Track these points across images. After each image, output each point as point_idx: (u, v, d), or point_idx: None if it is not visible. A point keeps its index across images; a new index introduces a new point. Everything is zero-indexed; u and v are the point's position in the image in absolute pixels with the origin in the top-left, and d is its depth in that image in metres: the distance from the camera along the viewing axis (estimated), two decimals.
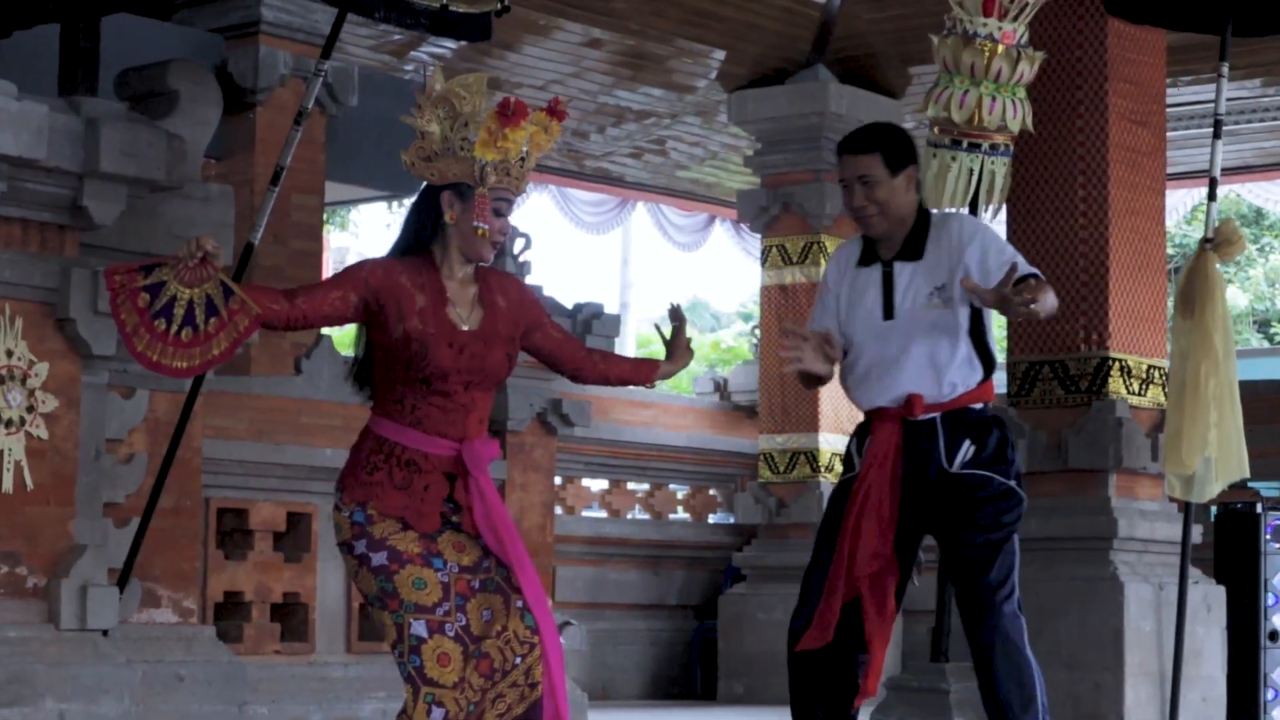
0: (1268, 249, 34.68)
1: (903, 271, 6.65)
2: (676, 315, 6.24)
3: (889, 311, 6.67)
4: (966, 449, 6.56)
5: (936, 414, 6.57)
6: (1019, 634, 6.64)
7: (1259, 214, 32.60)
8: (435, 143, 5.65)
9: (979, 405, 6.63)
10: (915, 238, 6.67)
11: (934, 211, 6.78)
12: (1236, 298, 34.19)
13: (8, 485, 9.60)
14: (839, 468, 16.64)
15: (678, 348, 6.19)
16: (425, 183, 5.75)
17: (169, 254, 5.89)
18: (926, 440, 6.57)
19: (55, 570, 9.76)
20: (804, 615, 6.76)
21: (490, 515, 5.67)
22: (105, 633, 9.91)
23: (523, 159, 5.69)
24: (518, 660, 5.55)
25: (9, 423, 9.63)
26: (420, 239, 5.74)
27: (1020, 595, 6.61)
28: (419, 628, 5.51)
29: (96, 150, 9.74)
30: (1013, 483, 6.60)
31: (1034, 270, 6.51)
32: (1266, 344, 33.55)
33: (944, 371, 6.60)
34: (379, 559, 5.56)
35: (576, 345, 6.09)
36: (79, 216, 9.87)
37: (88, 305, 9.81)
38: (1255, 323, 34.70)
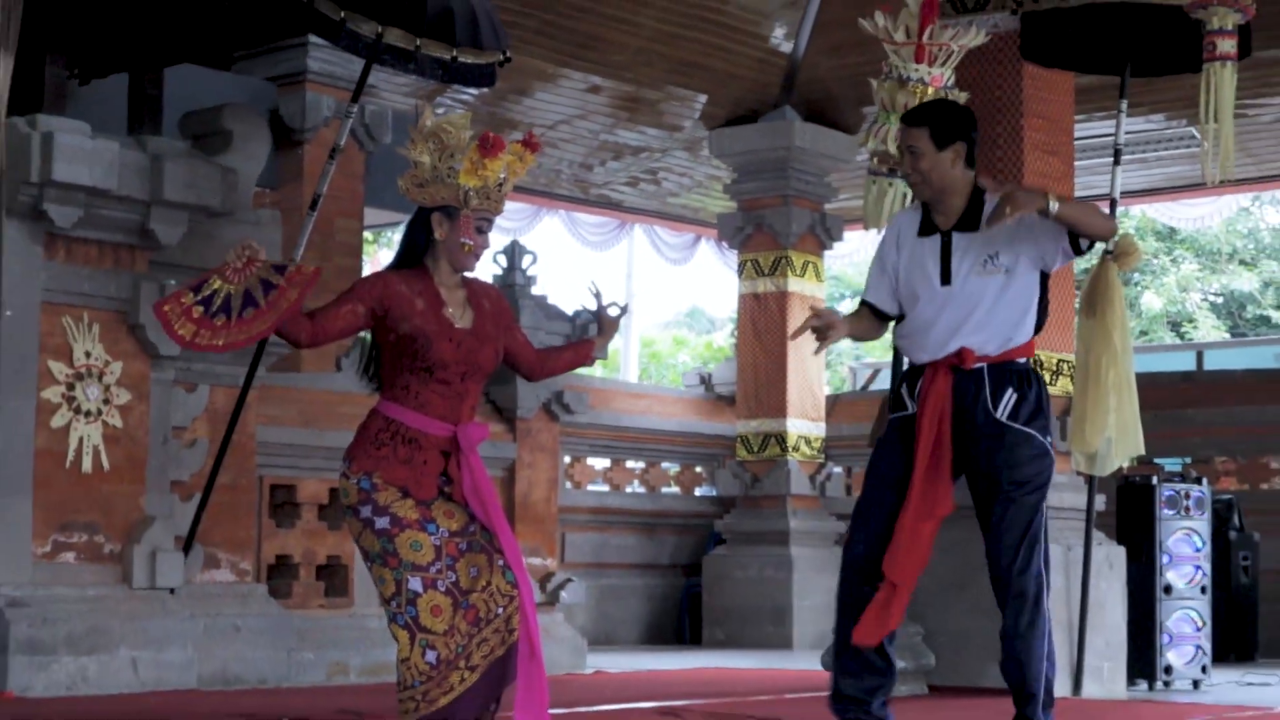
0: (1179, 259, 34.61)
1: (959, 242, 6.50)
2: (597, 297, 6.22)
3: (946, 278, 6.52)
4: (1010, 396, 6.39)
5: (984, 364, 6.41)
6: (1039, 591, 6.51)
7: (1172, 230, 32.55)
8: (426, 171, 5.70)
9: (1023, 360, 6.49)
10: (971, 211, 6.50)
11: (986, 190, 6.56)
12: (1152, 301, 34.15)
13: (87, 466, 9.64)
14: (805, 449, 16.90)
15: (603, 323, 6.17)
16: (419, 205, 5.78)
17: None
18: (974, 387, 6.41)
19: (129, 538, 9.79)
20: (860, 541, 6.56)
21: (477, 487, 5.68)
22: (172, 591, 9.94)
23: (500, 184, 5.73)
24: (499, 610, 5.57)
25: (88, 413, 9.66)
26: (414, 253, 5.77)
27: (1045, 546, 6.50)
28: (415, 584, 5.52)
29: (161, 182, 9.79)
30: (1047, 440, 6.43)
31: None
32: (1178, 340, 33.50)
33: (996, 330, 6.44)
34: (382, 523, 5.56)
35: (532, 350, 6.11)
36: (147, 238, 9.90)
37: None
38: (1169, 322, 34.63)
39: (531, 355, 6.07)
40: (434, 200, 5.70)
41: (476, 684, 5.56)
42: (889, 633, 6.50)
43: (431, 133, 5.69)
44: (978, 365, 6.40)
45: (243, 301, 5.58)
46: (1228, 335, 34.10)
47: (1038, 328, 6.57)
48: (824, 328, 6.47)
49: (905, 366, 6.93)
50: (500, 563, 5.60)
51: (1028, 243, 6.49)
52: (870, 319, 6.84)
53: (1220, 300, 34.80)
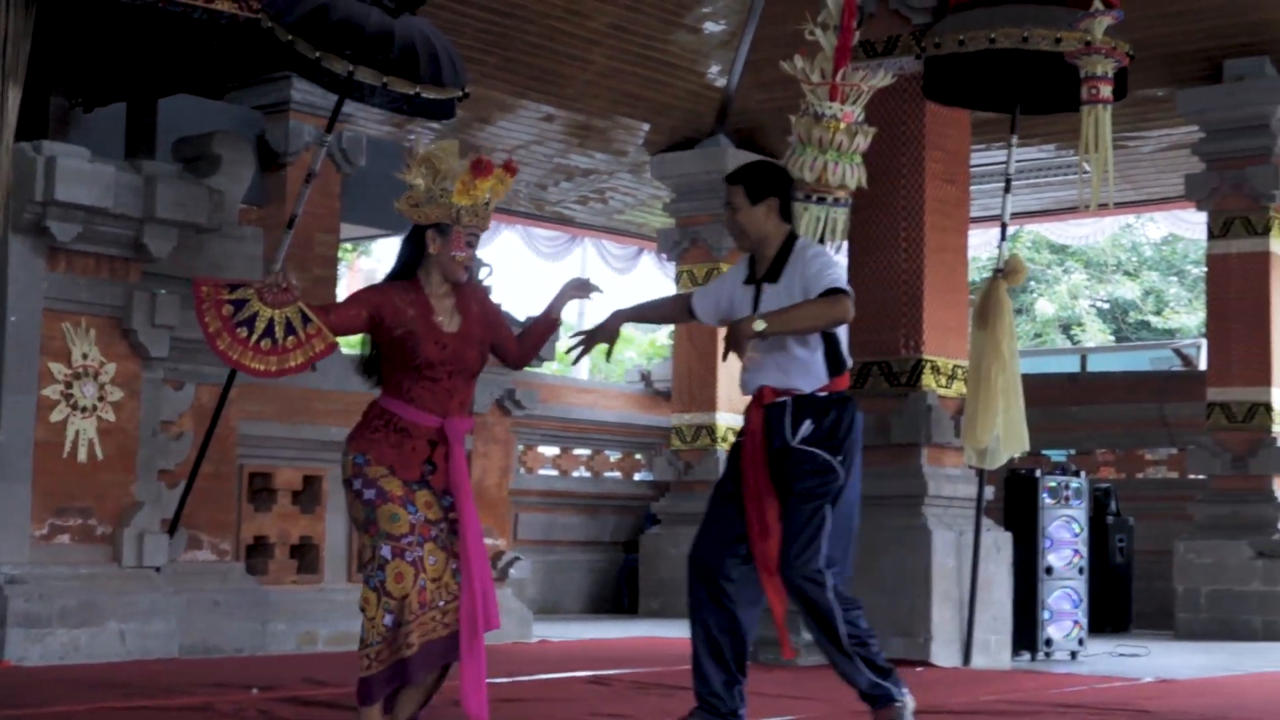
0: (1070, 270, 34.66)
1: (767, 290, 6.34)
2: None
3: None
4: (807, 426, 6.21)
5: (788, 399, 6.25)
6: (817, 588, 6.15)
7: (1063, 245, 32.58)
8: (420, 193, 5.71)
9: (824, 394, 6.27)
10: (777, 263, 6.35)
11: (800, 240, 6.42)
12: (1045, 307, 34.19)
13: (83, 456, 9.55)
14: (732, 439, 16.77)
15: (564, 293, 6.18)
16: (413, 223, 5.78)
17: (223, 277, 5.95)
18: (779, 418, 6.26)
19: (119, 521, 9.70)
20: (699, 547, 6.36)
21: (455, 477, 5.69)
22: (158, 569, 9.86)
23: (487, 203, 5.76)
24: (441, 602, 5.57)
25: (84, 409, 9.57)
26: (409, 267, 5.77)
27: (830, 551, 6.17)
28: (386, 551, 5.53)
29: (154, 201, 9.71)
30: (834, 458, 6.21)
31: (834, 284, 6.14)
32: (1068, 342, 33.56)
33: (791, 371, 6.29)
34: (369, 494, 5.57)
35: (514, 340, 6.10)
36: (140, 252, 9.82)
37: (147, 320, 9.77)
38: (1060, 326, 34.68)
39: (514, 345, 6.08)
40: (429, 219, 5.71)
41: (416, 656, 5.54)
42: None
43: (425, 159, 5.70)
44: (782, 400, 6.26)
45: (285, 330, 5.54)
46: (1112, 339, 34.20)
47: (836, 369, 6.31)
48: (606, 338, 6.41)
49: None
50: (454, 566, 5.61)
51: None
52: (678, 310, 6.75)
53: (1106, 306, 34.89)
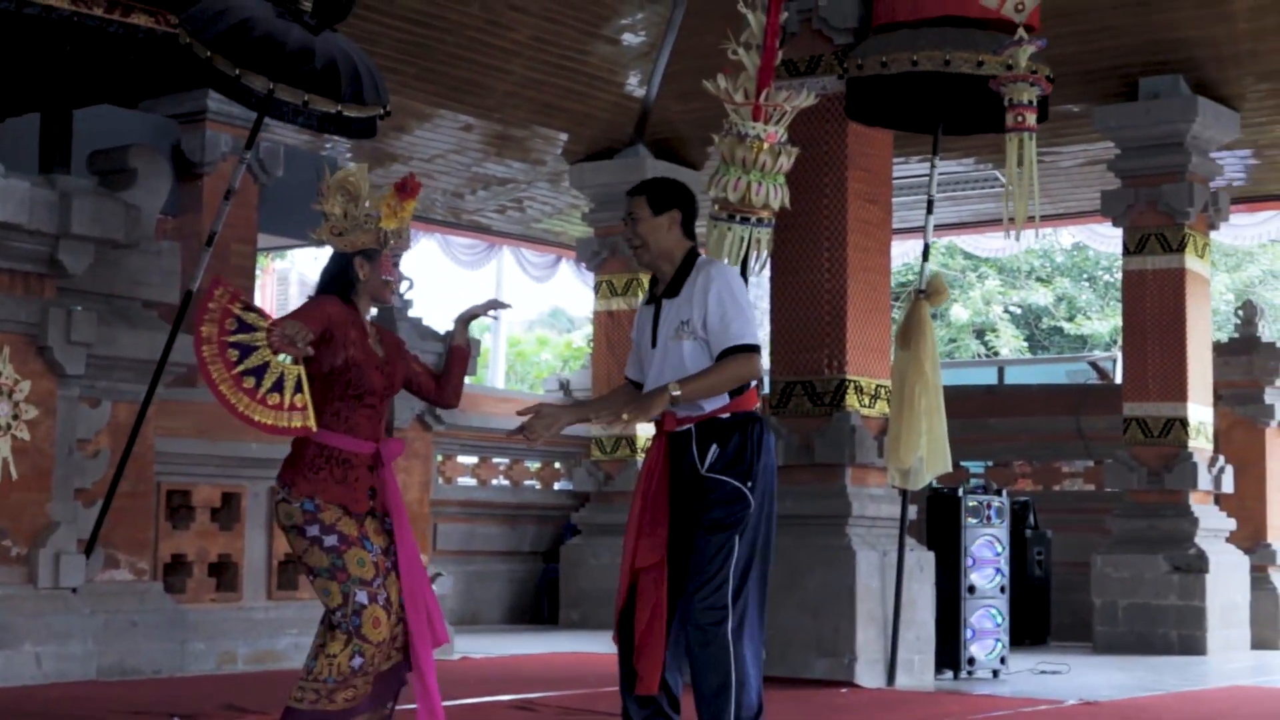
0: (984, 275, 34.86)
1: (666, 307, 6.14)
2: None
3: (654, 340, 6.17)
4: (714, 451, 5.97)
5: (691, 424, 5.99)
6: (716, 631, 5.89)
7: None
8: (342, 220, 5.63)
9: (727, 415, 6.01)
10: (678, 278, 6.15)
11: (701, 256, 6.22)
12: (959, 312, 34.38)
13: None
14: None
15: (469, 315, 6.04)
16: (337, 252, 5.66)
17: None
18: (684, 446, 6.01)
19: (34, 542, 9.54)
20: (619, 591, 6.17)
21: (394, 500, 5.67)
22: (74, 590, 9.70)
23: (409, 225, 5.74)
24: (385, 635, 5.53)
25: None
26: (345, 294, 5.66)
27: (740, 585, 5.92)
28: (362, 596, 5.47)
29: (69, 217, 9.56)
30: (742, 484, 5.97)
31: (740, 341, 5.95)
32: (983, 350, 33.77)
33: None
34: (330, 540, 5.47)
35: (429, 376, 6.01)
36: (55, 268, 9.66)
37: (63, 337, 9.62)
38: (974, 331, 34.90)
39: (430, 382, 5.97)
40: (355, 245, 5.63)
41: (369, 693, 5.53)
42: (660, 673, 5.96)
43: (339, 185, 5.63)
44: (685, 426, 6.00)
45: (294, 388, 5.47)
46: (1026, 344, 34.44)
47: (741, 397, 6.06)
48: (541, 425, 6.00)
49: None
50: (398, 586, 5.56)
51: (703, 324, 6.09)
52: (627, 392, 6.40)
53: (1019, 312, 35.15)
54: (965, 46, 9.84)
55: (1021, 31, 8.88)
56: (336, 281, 5.69)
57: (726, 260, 8.60)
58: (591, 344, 18.09)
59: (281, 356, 5.46)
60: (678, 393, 5.89)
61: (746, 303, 6.13)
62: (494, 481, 17.51)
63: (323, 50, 9.20)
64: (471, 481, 17.26)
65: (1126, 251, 14.54)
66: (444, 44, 14.69)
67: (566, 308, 43.55)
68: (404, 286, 12.42)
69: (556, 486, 18.00)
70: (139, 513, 10.29)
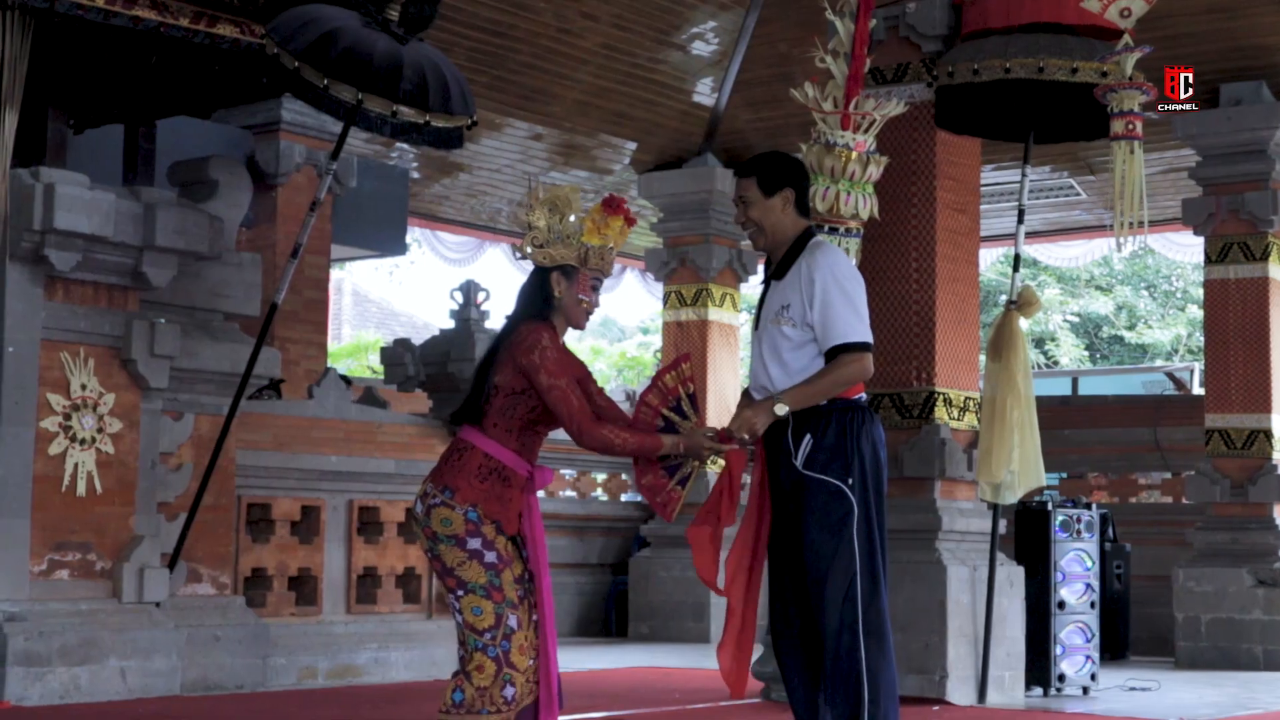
0: (1043, 284, 34.62)
1: (773, 289, 5.93)
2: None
3: (757, 323, 5.99)
4: (808, 443, 5.70)
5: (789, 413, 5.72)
6: (853, 656, 5.69)
7: (1034, 260, 32.48)
8: (544, 233, 5.41)
9: (825, 402, 5.72)
10: (787, 260, 5.91)
11: (815, 239, 5.97)
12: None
13: (81, 490, 9.36)
14: (721, 461, 16.66)
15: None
16: (535, 266, 5.46)
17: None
18: (778, 437, 5.74)
19: (119, 556, 9.51)
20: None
21: (538, 530, 5.50)
22: (158, 604, 9.65)
23: (611, 246, 5.48)
24: (530, 661, 5.31)
25: (83, 441, 9.38)
26: (546, 312, 5.43)
27: (870, 595, 5.75)
28: (513, 620, 5.25)
29: (154, 229, 9.53)
30: (841, 481, 5.69)
31: (847, 339, 5.72)
32: (1043, 359, 33.53)
33: (792, 379, 5.76)
34: (490, 557, 5.27)
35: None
36: (139, 280, 9.63)
37: (146, 349, 9.59)
38: (1033, 341, 34.71)
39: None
40: (555, 260, 5.40)
41: None
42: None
43: (548, 199, 5.44)
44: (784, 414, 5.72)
45: (680, 481, 5.61)
46: (1085, 353, 34.20)
47: None
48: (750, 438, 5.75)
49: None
50: (534, 617, 5.34)
51: (806, 311, 5.82)
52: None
53: (1078, 321, 34.91)
54: (1059, 53, 9.68)
55: (1127, 38, 8.73)
56: (534, 300, 5.44)
57: None
58: (660, 355, 17.97)
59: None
60: (784, 411, 5.70)
61: (856, 292, 5.85)
62: (562, 493, 17.43)
63: (411, 60, 9.13)
64: (540, 494, 17.15)
65: (1208, 260, 14.34)
66: (516, 53, 14.64)
67: (617, 317, 43.54)
68: (481, 296, 12.42)
69: (624, 498, 17.90)
70: (221, 526, 10.24)
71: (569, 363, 5.40)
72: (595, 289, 5.47)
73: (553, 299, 5.42)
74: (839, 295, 5.79)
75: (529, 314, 5.43)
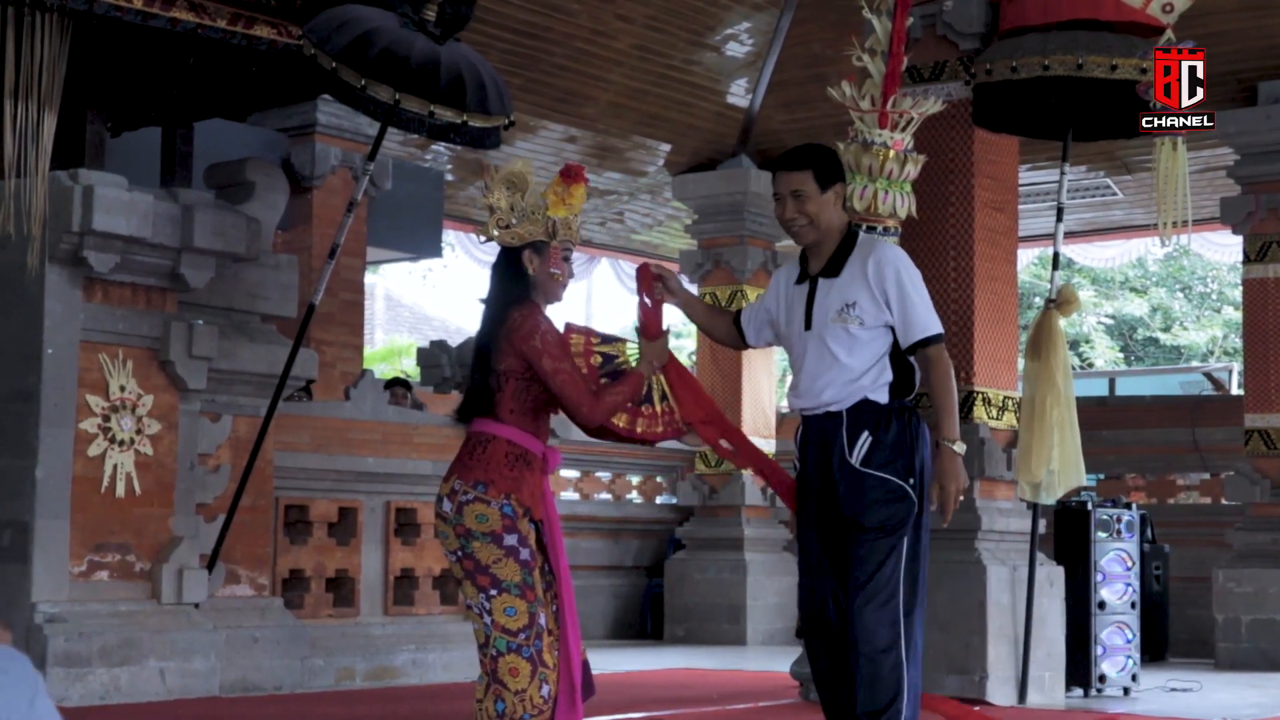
0: (1077, 286, 34.40)
1: (824, 287, 5.78)
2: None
3: (808, 323, 5.82)
4: (866, 440, 5.60)
5: (842, 408, 5.65)
6: (891, 657, 5.61)
7: (1070, 260, 32.38)
8: (507, 213, 5.31)
9: (884, 401, 5.67)
10: (838, 257, 5.79)
11: (862, 233, 5.95)
12: None
13: (120, 491, 9.38)
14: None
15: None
16: (502, 247, 5.36)
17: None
18: (830, 433, 5.66)
19: (158, 557, 9.53)
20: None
21: (553, 511, 5.36)
22: (197, 605, 9.68)
23: (577, 215, 5.43)
24: (556, 655, 5.21)
25: (121, 442, 9.40)
26: (527, 292, 5.32)
27: (911, 598, 5.68)
28: (544, 619, 5.14)
29: (192, 230, 9.56)
30: (904, 481, 5.61)
31: (931, 332, 5.73)
32: (1078, 361, 33.43)
33: (852, 380, 5.67)
34: (525, 554, 5.12)
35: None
36: (177, 281, 9.66)
37: (184, 351, 9.60)
38: (1067, 343, 34.58)
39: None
40: (522, 239, 5.30)
41: None
42: None
43: (504, 178, 5.34)
44: (833, 407, 5.68)
45: (660, 396, 5.52)
46: (1120, 354, 34.09)
47: (901, 385, 5.76)
48: (663, 283, 5.82)
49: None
50: (554, 608, 5.24)
51: (879, 309, 5.76)
52: (727, 324, 6.24)
53: (1113, 323, 34.79)
54: (1098, 50, 9.64)
55: (1170, 34, 8.69)
56: (512, 282, 5.33)
57: None
58: (695, 357, 17.94)
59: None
60: (961, 447, 5.72)
61: (922, 283, 5.87)
62: (597, 496, 17.43)
63: (448, 60, 9.13)
64: (574, 495, 17.17)
65: (1247, 259, 14.27)
66: (550, 55, 14.64)
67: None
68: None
69: (659, 500, 17.89)
70: (259, 527, 10.26)
71: (565, 343, 5.37)
72: (567, 259, 5.40)
73: (528, 277, 5.32)
74: (913, 289, 5.79)
75: (512, 297, 5.32)
